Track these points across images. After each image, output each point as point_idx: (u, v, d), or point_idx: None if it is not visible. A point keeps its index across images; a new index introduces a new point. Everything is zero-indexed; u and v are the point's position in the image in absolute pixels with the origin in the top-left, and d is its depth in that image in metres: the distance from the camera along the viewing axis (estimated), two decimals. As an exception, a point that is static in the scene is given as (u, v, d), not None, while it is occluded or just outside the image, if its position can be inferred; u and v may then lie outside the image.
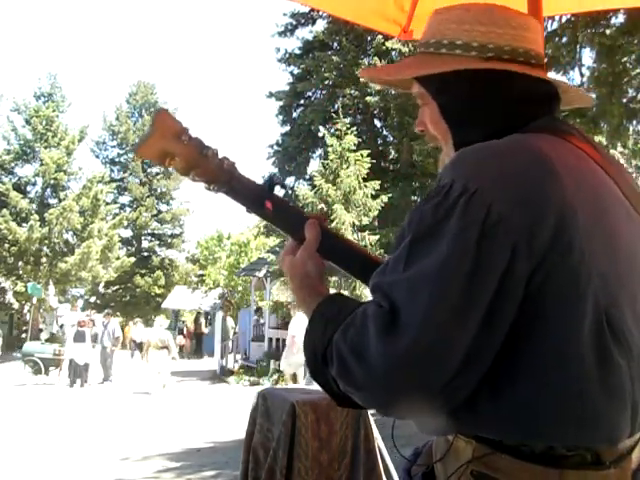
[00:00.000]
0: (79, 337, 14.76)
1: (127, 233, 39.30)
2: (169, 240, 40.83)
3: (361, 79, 18.39)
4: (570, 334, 0.90)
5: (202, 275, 33.60)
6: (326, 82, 19.84)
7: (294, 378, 12.20)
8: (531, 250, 0.88)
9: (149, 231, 40.45)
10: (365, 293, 16.35)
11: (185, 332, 30.58)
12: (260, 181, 1.17)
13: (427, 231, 0.90)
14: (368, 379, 0.88)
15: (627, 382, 0.93)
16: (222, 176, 1.13)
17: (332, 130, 17.05)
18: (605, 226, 0.97)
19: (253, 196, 1.15)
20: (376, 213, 15.99)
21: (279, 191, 1.17)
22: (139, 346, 17.24)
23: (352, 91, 19.06)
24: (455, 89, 1.06)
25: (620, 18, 8.50)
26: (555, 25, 9.10)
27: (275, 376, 14.19)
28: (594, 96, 9.21)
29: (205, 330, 29.72)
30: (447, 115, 1.08)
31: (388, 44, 18.09)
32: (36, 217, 28.53)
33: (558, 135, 1.02)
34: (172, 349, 14.00)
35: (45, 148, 30.44)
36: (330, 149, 16.06)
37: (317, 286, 1.10)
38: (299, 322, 12.48)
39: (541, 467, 0.90)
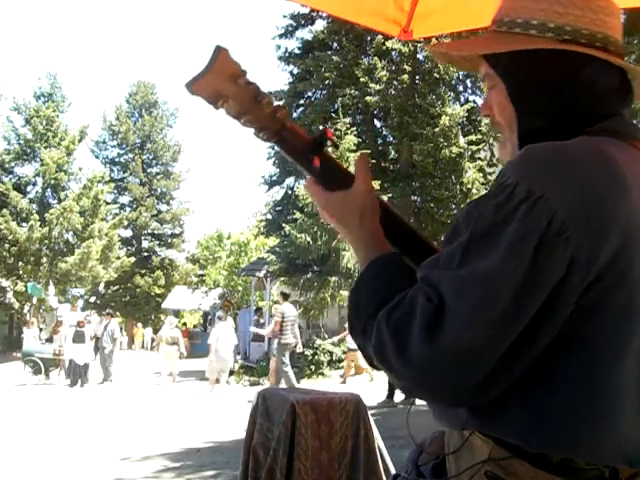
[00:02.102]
0: (78, 337, 14.76)
1: (127, 233, 39.36)
2: (169, 240, 40.85)
3: (361, 79, 18.44)
4: (613, 356, 0.88)
5: (202, 275, 33.63)
6: (326, 82, 19.83)
7: (217, 382, 12.70)
8: (589, 267, 0.85)
9: (149, 231, 40.47)
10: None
11: (182, 332, 30.62)
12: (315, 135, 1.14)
13: (485, 231, 0.87)
14: (404, 368, 0.88)
15: None
16: (273, 125, 1.09)
17: (332, 130, 17.05)
18: None
19: (302, 149, 1.12)
20: (376, 213, 15.99)
21: (331, 147, 1.14)
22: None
23: (352, 91, 19.04)
24: (526, 71, 1.00)
25: (620, 18, 8.52)
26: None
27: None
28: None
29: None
30: (515, 98, 1.02)
31: (388, 44, 18.07)
32: (36, 217, 28.55)
33: (629, 141, 0.97)
34: (181, 345, 16.04)
35: (45, 148, 30.46)
36: (330, 149, 16.06)
37: (374, 232, 1.07)
38: (218, 331, 12.91)
39: (559, 478, 0.89)
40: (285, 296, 12.35)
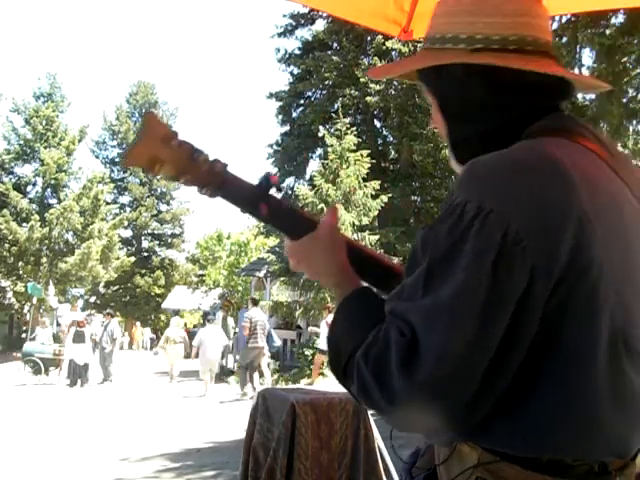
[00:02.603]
0: (78, 337, 14.76)
1: (127, 233, 39.38)
2: (169, 240, 40.86)
3: (361, 79, 18.43)
4: (587, 353, 0.89)
5: (202, 275, 33.62)
6: (326, 82, 19.84)
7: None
8: (550, 271, 0.85)
9: (149, 231, 40.48)
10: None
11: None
12: (256, 181, 1.14)
13: (443, 256, 0.87)
14: (388, 405, 0.88)
15: (639, 400, 0.93)
16: (214, 180, 1.09)
17: (332, 130, 17.05)
18: (620, 235, 0.94)
19: (248, 198, 1.12)
20: (376, 213, 15.99)
21: (275, 191, 1.14)
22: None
23: (352, 91, 19.05)
24: (448, 84, 1.03)
25: (620, 18, 8.50)
26: (555, 25, 9.10)
27: (275, 376, 14.19)
28: (593, 96, 9.22)
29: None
30: (444, 111, 1.06)
31: (388, 44, 18.08)
32: (36, 217, 28.54)
33: (570, 137, 0.98)
34: (187, 345, 16.57)
35: (45, 148, 30.46)
36: (330, 149, 16.06)
37: (342, 269, 1.08)
38: (203, 333, 13.21)
39: (549, 477, 0.90)
40: (254, 301, 12.94)
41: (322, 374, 14.97)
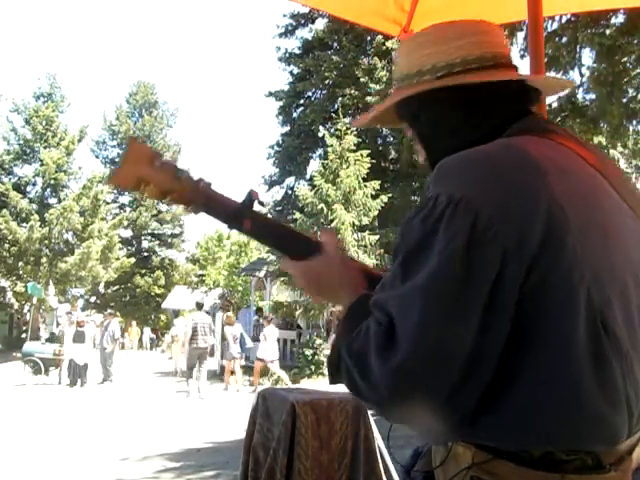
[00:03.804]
0: (78, 337, 14.76)
1: (127, 233, 39.33)
2: (169, 240, 40.85)
3: (361, 79, 18.45)
4: (566, 335, 0.90)
5: (202, 275, 33.64)
6: (326, 82, 19.85)
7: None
8: (523, 252, 0.87)
9: (149, 231, 40.47)
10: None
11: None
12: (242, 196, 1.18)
13: (417, 246, 0.91)
14: (373, 394, 0.91)
15: (620, 382, 0.92)
16: (198, 198, 1.14)
17: (332, 130, 17.06)
18: (597, 221, 0.96)
19: (231, 214, 1.16)
20: (376, 213, 15.99)
21: (258, 207, 1.18)
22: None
23: (352, 91, 19.06)
24: (422, 115, 1.10)
25: (620, 18, 8.51)
26: (555, 25, 9.11)
27: (275, 376, 14.19)
28: (594, 96, 9.23)
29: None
30: (422, 139, 1.12)
31: (388, 44, 18.09)
32: (36, 217, 28.53)
33: (541, 134, 1.01)
34: None
35: (45, 148, 30.45)
36: (330, 149, 16.07)
37: (353, 287, 1.11)
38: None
39: (542, 472, 0.90)
40: (199, 305, 14.03)
41: (322, 374, 14.99)
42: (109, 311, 18.99)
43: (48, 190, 31.41)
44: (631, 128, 10.10)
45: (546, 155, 0.95)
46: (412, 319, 0.86)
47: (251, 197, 1.16)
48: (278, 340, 18.03)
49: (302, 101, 21.27)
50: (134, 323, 34.31)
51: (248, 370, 17.04)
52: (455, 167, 0.95)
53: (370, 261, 16.35)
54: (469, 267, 0.86)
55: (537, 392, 0.90)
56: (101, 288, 36.63)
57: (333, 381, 1.04)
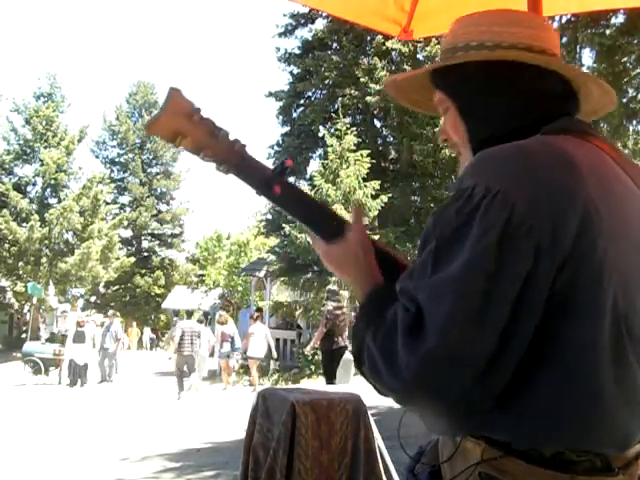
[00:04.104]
0: (78, 337, 14.76)
1: (127, 233, 39.32)
2: (169, 240, 40.84)
3: (361, 79, 18.43)
4: (590, 337, 0.90)
5: (202, 275, 33.61)
6: (326, 82, 19.83)
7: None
8: (555, 250, 0.88)
9: (149, 231, 40.46)
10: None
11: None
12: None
13: (451, 236, 0.91)
14: (395, 381, 0.91)
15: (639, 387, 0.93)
16: (232, 158, 1.14)
17: (332, 130, 17.05)
18: (626, 225, 0.96)
19: (262, 179, 1.16)
20: (376, 213, 15.98)
21: (289, 175, 1.17)
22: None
23: (352, 91, 19.04)
24: (470, 87, 1.07)
25: (620, 18, 8.51)
26: (555, 25, 9.10)
27: (275, 376, 14.20)
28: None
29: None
30: (465, 115, 1.09)
31: (388, 44, 18.06)
32: (36, 217, 28.52)
33: (578, 135, 1.01)
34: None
35: (45, 148, 30.44)
36: (330, 149, 16.06)
37: (370, 270, 1.12)
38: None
39: (551, 472, 0.90)
40: (189, 314, 14.62)
41: (322, 374, 14.96)
42: (110, 312, 18.95)
43: (48, 190, 31.40)
44: (631, 128, 10.10)
45: (583, 156, 0.96)
46: (441, 310, 0.87)
47: (284, 165, 1.16)
48: (278, 340, 18.06)
49: (302, 101, 21.24)
50: (134, 323, 34.32)
51: (248, 370, 17.05)
52: (494, 159, 0.95)
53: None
54: (502, 262, 0.86)
55: (556, 392, 0.90)
56: (101, 288, 36.61)
57: (359, 371, 1.03)
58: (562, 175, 0.91)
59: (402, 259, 1.22)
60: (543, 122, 1.02)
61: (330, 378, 10.25)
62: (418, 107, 1.25)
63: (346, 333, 10.62)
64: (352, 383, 11.48)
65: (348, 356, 9.85)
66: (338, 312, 10.59)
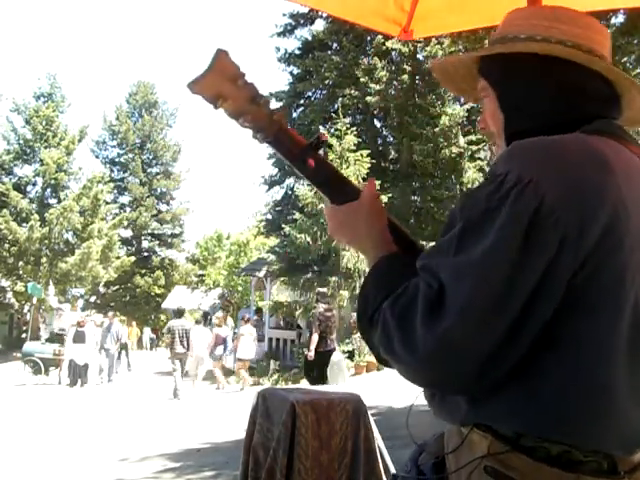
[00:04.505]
0: (78, 337, 14.75)
1: (127, 233, 39.31)
2: (169, 240, 40.82)
3: (361, 79, 18.42)
4: (607, 335, 0.91)
5: (202, 275, 33.61)
6: (326, 82, 19.83)
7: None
8: (580, 244, 0.89)
9: (149, 231, 40.44)
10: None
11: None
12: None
13: (478, 218, 0.92)
14: (408, 354, 0.92)
15: None
16: (270, 126, 1.14)
17: (332, 130, 17.04)
18: None
19: (297, 151, 1.16)
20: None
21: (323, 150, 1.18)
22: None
23: (352, 91, 19.03)
24: (514, 78, 1.07)
25: (620, 18, 8.50)
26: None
27: (275, 376, 14.20)
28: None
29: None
30: (504, 104, 1.09)
31: (388, 44, 18.05)
32: (36, 217, 28.52)
33: (614, 138, 1.02)
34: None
35: (45, 148, 30.44)
36: (330, 149, 16.05)
37: (381, 235, 1.12)
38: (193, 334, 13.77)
39: (557, 470, 0.90)
40: (178, 312, 14.30)
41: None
42: (110, 312, 18.94)
43: (48, 190, 31.40)
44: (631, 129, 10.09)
45: (616, 157, 0.96)
46: (463, 291, 0.88)
47: (319, 139, 1.16)
48: (278, 340, 18.06)
49: (302, 101, 21.24)
50: (134, 323, 34.32)
51: (248, 370, 17.05)
52: (529, 149, 0.96)
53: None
54: (526, 251, 0.87)
55: (568, 381, 0.91)
56: (101, 288, 36.59)
57: (362, 332, 1.04)
58: (594, 172, 0.92)
59: (410, 235, 1.22)
60: (583, 122, 1.02)
61: (317, 380, 10.37)
62: (464, 95, 1.26)
63: (334, 335, 10.84)
64: (349, 381, 11.52)
65: (336, 357, 10.14)
66: (329, 314, 10.80)
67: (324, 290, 12.19)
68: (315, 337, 10.44)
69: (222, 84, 1.09)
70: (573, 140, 0.97)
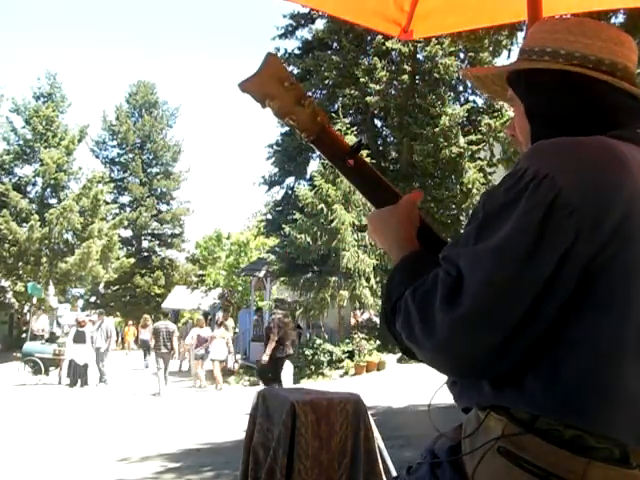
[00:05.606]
0: (79, 337, 14.75)
1: (127, 233, 39.32)
2: (169, 240, 40.82)
3: (361, 79, 18.42)
4: (621, 319, 0.94)
5: (202, 275, 33.61)
6: (326, 82, 19.83)
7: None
8: (595, 236, 0.92)
9: (149, 231, 40.44)
10: (365, 293, 16.36)
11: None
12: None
13: (497, 210, 0.97)
14: (427, 337, 0.97)
15: None
16: (313, 127, 1.20)
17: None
18: None
19: (338, 151, 1.22)
20: (376, 213, 15.95)
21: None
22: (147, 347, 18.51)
23: (352, 91, 19.04)
24: (539, 90, 1.12)
25: (620, 18, 8.49)
26: (555, 25, 9.09)
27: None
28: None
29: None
30: (530, 115, 1.14)
31: (388, 44, 18.07)
32: (36, 217, 28.51)
33: (635, 143, 1.06)
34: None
35: (45, 148, 30.43)
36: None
37: (407, 239, 1.18)
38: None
39: (569, 453, 0.93)
40: (164, 314, 15.69)
41: (322, 374, 14.99)
42: (99, 310, 18.83)
43: (48, 190, 31.38)
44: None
45: (634, 158, 1.00)
46: (478, 277, 0.93)
47: (360, 142, 1.23)
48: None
49: (302, 101, 21.25)
50: (130, 322, 34.31)
51: (248, 370, 17.07)
52: (548, 148, 1.01)
53: (370, 261, 16.37)
54: (541, 239, 0.92)
55: (581, 365, 0.94)
56: (101, 288, 36.61)
57: (387, 321, 1.09)
58: (610, 170, 0.96)
59: (443, 237, 1.27)
60: (605, 130, 1.05)
61: (271, 382, 10.75)
62: (496, 96, 1.30)
63: (289, 341, 11.25)
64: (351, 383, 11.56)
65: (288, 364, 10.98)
66: (286, 320, 11.33)
67: (282, 297, 12.63)
68: (273, 343, 10.72)
69: (270, 85, 1.17)
70: (592, 140, 1.01)
